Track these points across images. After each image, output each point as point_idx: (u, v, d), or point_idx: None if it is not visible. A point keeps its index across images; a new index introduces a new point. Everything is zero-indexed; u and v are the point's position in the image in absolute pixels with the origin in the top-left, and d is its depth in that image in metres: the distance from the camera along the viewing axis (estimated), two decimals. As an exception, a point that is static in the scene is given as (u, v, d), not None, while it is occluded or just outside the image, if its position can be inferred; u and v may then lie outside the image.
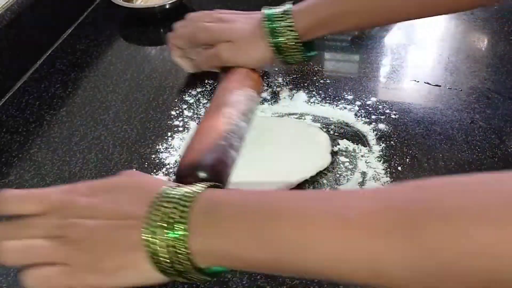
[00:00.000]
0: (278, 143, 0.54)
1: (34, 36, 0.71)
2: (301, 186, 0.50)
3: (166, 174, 0.52)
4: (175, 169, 0.45)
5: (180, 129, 0.58)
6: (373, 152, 0.53)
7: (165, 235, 0.32)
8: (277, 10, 0.54)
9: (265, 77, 0.62)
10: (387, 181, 0.50)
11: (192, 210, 0.32)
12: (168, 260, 0.32)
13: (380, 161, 0.52)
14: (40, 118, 0.61)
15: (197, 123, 0.57)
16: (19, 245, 0.35)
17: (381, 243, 0.28)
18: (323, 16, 0.53)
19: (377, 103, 0.60)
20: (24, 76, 0.68)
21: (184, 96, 0.62)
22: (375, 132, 0.56)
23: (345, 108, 0.59)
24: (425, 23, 0.74)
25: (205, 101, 0.61)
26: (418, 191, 0.30)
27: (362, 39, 0.72)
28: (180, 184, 0.36)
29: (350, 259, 0.29)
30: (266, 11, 0.54)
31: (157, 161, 0.54)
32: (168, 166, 0.53)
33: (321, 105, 0.60)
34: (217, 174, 0.42)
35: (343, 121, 0.58)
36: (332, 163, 0.52)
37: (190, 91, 0.63)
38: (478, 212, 0.26)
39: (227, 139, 0.45)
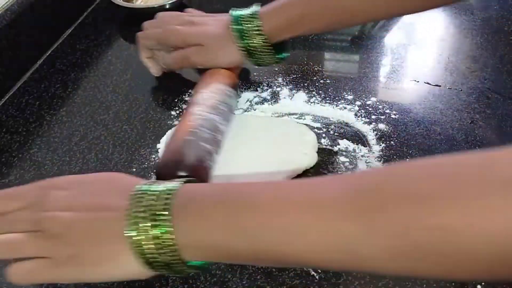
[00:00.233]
0: (264, 141, 0.53)
1: (34, 36, 0.71)
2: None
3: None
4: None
5: (180, 129, 0.58)
6: (373, 152, 0.53)
7: (149, 227, 0.32)
8: (245, 12, 0.54)
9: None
10: (387, 181, 0.50)
11: (174, 203, 0.33)
12: (153, 252, 0.32)
13: (380, 161, 0.52)
14: (40, 118, 0.61)
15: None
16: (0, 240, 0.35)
17: (354, 225, 0.28)
18: (290, 17, 0.53)
19: (377, 103, 0.60)
20: (24, 76, 0.68)
21: (184, 96, 0.62)
22: (375, 132, 0.56)
23: (345, 108, 0.59)
24: (425, 23, 0.74)
25: (205, 101, 0.61)
26: (387, 174, 0.31)
27: (362, 39, 0.72)
28: (158, 180, 0.36)
29: (327, 243, 0.29)
30: (233, 13, 0.55)
31: (157, 161, 0.53)
32: (168, 166, 0.53)
33: (321, 105, 0.60)
34: (194, 169, 0.43)
35: (343, 121, 0.57)
36: (332, 163, 0.52)
37: (190, 91, 0.63)
38: (444, 193, 0.27)
39: (195, 134, 0.46)
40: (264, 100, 0.61)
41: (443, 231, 0.26)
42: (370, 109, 0.59)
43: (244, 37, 0.53)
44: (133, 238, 0.32)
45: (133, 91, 0.64)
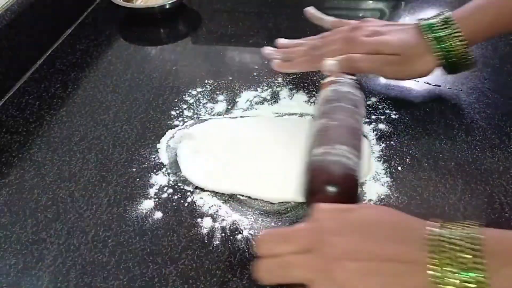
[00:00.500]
0: (291, 143, 0.52)
1: (34, 36, 0.71)
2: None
3: (166, 175, 0.52)
4: (305, 185, 0.42)
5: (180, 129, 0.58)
6: (373, 152, 0.53)
7: (457, 279, 0.31)
8: (434, 20, 0.54)
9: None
10: (387, 181, 0.50)
11: (485, 253, 0.31)
12: None
13: (380, 161, 0.52)
14: (40, 118, 0.61)
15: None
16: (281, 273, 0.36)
17: None
18: (486, 20, 0.53)
19: (377, 103, 0.60)
20: (24, 76, 0.68)
21: (184, 96, 0.62)
22: (375, 132, 0.56)
23: (345, 108, 0.59)
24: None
25: (205, 101, 0.61)
26: None
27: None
28: (445, 223, 0.35)
29: None
30: (422, 22, 0.54)
31: (157, 161, 0.53)
32: (168, 166, 0.53)
33: (321, 105, 0.60)
34: (344, 181, 0.41)
35: (343, 121, 0.57)
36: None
37: (190, 91, 0.63)
38: None
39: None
40: (264, 100, 0.61)
41: None
42: (370, 109, 0.59)
43: (442, 44, 0.53)
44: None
45: (133, 91, 0.64)
